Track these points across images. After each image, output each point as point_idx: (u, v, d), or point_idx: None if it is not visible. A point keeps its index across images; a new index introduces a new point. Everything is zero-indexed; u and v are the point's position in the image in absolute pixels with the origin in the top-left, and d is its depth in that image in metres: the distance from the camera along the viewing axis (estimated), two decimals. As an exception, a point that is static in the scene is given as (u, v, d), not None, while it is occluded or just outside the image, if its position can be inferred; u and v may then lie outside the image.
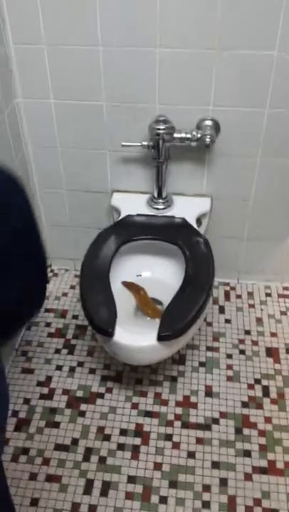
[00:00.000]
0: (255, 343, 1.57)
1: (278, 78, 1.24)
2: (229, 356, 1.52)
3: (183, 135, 1.32)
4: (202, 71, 1.26)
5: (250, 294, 1.74)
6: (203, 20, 1.18)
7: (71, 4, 1.19)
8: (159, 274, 1.41)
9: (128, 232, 1.38)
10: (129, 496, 1.20)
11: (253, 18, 1.16)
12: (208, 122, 1.34)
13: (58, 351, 1.54)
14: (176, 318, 1.14)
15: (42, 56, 1.29)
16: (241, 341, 1.57)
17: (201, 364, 1.50)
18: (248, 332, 1.60)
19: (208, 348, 1.55)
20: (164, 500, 1.19)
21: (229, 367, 1.49)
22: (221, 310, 1.68)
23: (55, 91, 1.35)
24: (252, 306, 1.69)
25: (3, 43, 1.26)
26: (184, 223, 1.40)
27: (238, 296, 1.73)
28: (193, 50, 1.23)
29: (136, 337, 1.12)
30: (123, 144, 1.37)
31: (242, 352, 1.54)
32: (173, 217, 1.42)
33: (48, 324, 1.63)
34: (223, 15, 1.16)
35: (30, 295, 0.76)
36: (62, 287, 1.77)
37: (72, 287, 1.76)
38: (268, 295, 1.73)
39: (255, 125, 1.34)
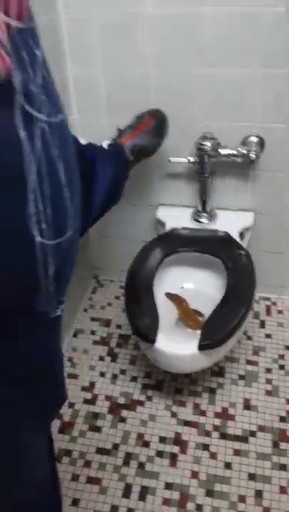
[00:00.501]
0: (295, 358, 1.57)
1: None
2: (268, 371, 1.53)
3: (228, 151, 1.36)
4: (247, 89, 1.30)
5: (292, 310, 1.74)
6: (247, 40, 1.23)
7: (126, 24, 1.28)
8: (201, 286, 1.44)
9: (172, 244, 1.42)
10: (166, 502, 1.23)
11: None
12: (254, 139, 1.37)
13: (101, 358, 1.60)
14: (217, 328, 1.17)
15: (97, 78, 1.38)
16: (281, 356, 1.57)
17: (241, 377, 1.51)
18: (288, 347, 1.60)
19: (248, 362, 1.56)
20: (199, 508, 1.21)
21: (268, 381, 1.50)
22: (262, 324, 1.69)
23: (109, 109, 1.43)
24: (293, 322, 1.70)
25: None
26: (227, 237, 1.43)
27: (279, 312, 1.74)
28: (238, 68, 1.27)
29: (177, 345, 1.16)
30: (170, 159, 1.43)
31: (281, 367, 1.54)
32: (216, 230, 1.46)
33: (93, 332, 1.69)
34: (266, 35, 1.21)
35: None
36: (107, 297, 1.83)
37: (117, 298, 1.82)
38: (310, 311, 1.73)
39: (300, 142, 1.37)
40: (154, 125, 1.32)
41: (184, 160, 1.41)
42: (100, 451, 1.34)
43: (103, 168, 1.15)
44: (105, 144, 1.26)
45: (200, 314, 1.38)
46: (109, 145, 1.27)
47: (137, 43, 1.29)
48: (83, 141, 1.16)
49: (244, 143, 1.38)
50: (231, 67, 1.28)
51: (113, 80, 1.37)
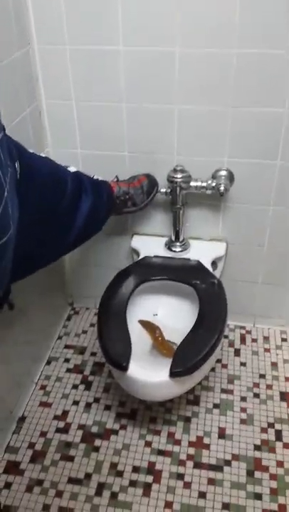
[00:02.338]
0: (269, 387, 1.58)
1: (288, 133, 1.33)
2: (243, 399, 1.54)
3: (199, 183, 1.41)
4: (217, 126, 1.36)
5: (266, 339, 1.76)
6: (219, 82, 1.29)
7: (97, 61, 1.33)
8: (174, 313, 1.46)
9: (145, 272, 1.45)
10: (139, 533, 1.22)
11: (264, 79, 1.26)
12: (223, 172, 1.43)
13: (75, 387, 1.59)
14: (189, 355, 1.19)
15: (71, 111, 1.42)
16: (256, 385, 1.59)
17: (216, 406, 1.52)
18: (262, 376, 1.62)
19: (223, 391, 1.57)
20: (173, 539, 1.20)
21: (243, 410, 1.51)
22: (237, 353, 1.71)
23: (82, 142, 1.47)
24: (267, 350, 1.72)
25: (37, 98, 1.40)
26: (199, 266, 1.46)
27: (254, 340, 1.76)
28: (208, 107, 1.33)
29: (149, 372, 1.17)
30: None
31: (256, 395, 1.55)
32: (188, 259, 1.49)
33: (67, 360, 1.69)
34: (237, 75, 1.27)
35: None
36: (82, 325, 1.84)
37: (92, 325, 1.82)
38: (284, 340, 1.75)
39: (268, 176, 1.42)
40: (146, 183, 1.43)
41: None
42: (72, 480, 1.32)
43: (87, 197, 1.18)
44: (95, 176, 1.31)
45: (173, 342, 1.40)
46: (100, 180, 1.32)
47: (109, 78, 1.34)
48: (72, 169, 1.20)
49: (214, 176, 1.43)
50: (202, 105, 1.34)
51: (86, 114, 1.42)
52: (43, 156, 1.08)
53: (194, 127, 1.38)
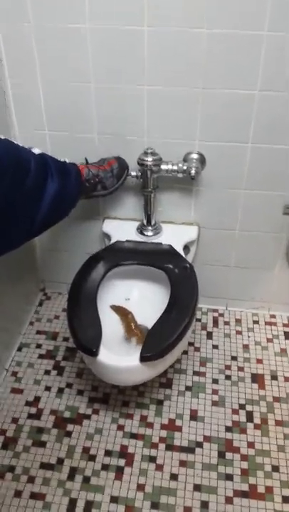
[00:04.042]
0: (241, 369, 1.60)
1: (259, 115, 1.32)
2: (215, 381, 1.56)
3: (170, 167, 1.39)
4: (188, 108, 1.34)
5: (238, 321, 1.78)
6: (189, 61, 1.27)
7: (63, 40, 1.29)
8: (146, 298, 1.45)
9: (117, 257, 1.44)
10: (111, 516, 1.22)
11: (235, 59, 1.25)
12: (194, 155, 1.41)
13: (47, 372, 1.58)
14: (159, 339, 1.18)
15: (37, 91, 1.38)
16: (228, 367, 1.61)
17: (188, 388, 1.53)
18: (234, 358, 1.64)
19: (195, 373, 1.58)
20: (145, 521, 1.21)
21: (215, 392, 1.52)
22: (209, 336, 1.72)
23: (50, 124, 1.44)
24: (239, 332, 1.73)
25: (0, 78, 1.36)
26: (171, 250, 1.46)
27: (226, 323, 1.77)
28: (178, 88, 1.31)
29: (119, 357, 1.17)
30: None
31: (228, 377, 1.57)
32: (160, 243, 1.48)
33: (38, 346, 1.68)
34: (207, 56, 1.25)
35: None
36: (54, 310, 1.82)
37: (64, 310, 1.81)
38: (256, 322, 1.77)
39: (239, 159, 1.41)
40: (116, 166, 1.40)
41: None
42: (44, 466, 1.32)
43: (53, 181, 1.14)
44: (64, 159, 1.28)
45: (146, 327, 1.39)
46: (68, 163, 1.29)
47: (76, 58, 1.31)
48: (37, 151, 1.16)
49: (186, 159, 1.42)
50: (172, 86, 1.31)
51: (53, 95, 1.38)
52: (1, 137, 1.03)
53: (165, 109, 1.35)
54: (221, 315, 1.81)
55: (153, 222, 1.52)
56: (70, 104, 1.39)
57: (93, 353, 1.15)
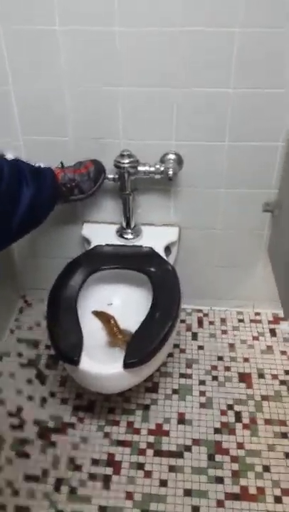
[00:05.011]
0: (227, 368, 1.58)
1: (235, 113, 1.31)
2: (202, 383, 1.54)
3: (147, 168, 1.37)
4: (163, 108, 1.32)
5: (223, 321, 1.76)
6: (163, 60, 1.24)
7: (34, 42, 1.26)
8: (130, 302, 1.43)
9: (97, 261, 1.41)
10: (99, 527, 1.20)
11: (208, 57, 1.23)
12: (171, 156, 1.39)
13: (29, 382, 1.54)
14: (142, 345, 1.16)
15: (9, 95, 1.35)
16: (214, 367, 1.59)
17: (174, 391, 1.51)
18: (220, 358, 1.62)
19: (182, 375, 1.56)
20: (135, 529, 1.19)
21: (202, 393, 1.51)
22: (194, 337, 1.70)
23: (23, 128, 1.40)
24: (225, 332, 1.72)
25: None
26: (152, 252, 1.43)
27: (211, 323, 1.76)
28: (153, 88, 1.29)
29: (102, 365, 1.14)
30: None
31: (215, 378, 1.55)
32: (140, 246, 1.46)
33: (19, 354, 1.64)
34: (182, 55, 1.23)
35: None
36: (35, 317, 1.78)
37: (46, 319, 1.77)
38: (241, 321, 1.76)
39: (216, 158, 1.40)
40: (92, 170, 1.37)
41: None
42: (29, 478, 1.29)
43: (27, 187, 1.12)
44: (38, 164, 1.25)
45: (130, 332, 1.37)
46: (43, 167, 1.26)
47: (49, 59, 1.27)
48: (10, 156, 1.13)
49: (163, 160, 1.40)
50: (146, 87, 1.29)
51: (25, 98, 1.35)
52: None
53: (140, 110, 1.33)
54: (206, 315, 1.79)
55: (133, 225, 1.50)
56: (43, 108, 1.36)
57: (74, 361, 1.12)
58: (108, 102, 1.32)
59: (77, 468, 1.31)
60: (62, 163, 1.35)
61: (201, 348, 1.66)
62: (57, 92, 1.32)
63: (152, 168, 1.37)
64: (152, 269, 1.36)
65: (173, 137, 1.37)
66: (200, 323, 1.76)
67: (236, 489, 1.26)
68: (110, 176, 1.40)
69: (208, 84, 1.27)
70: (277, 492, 1.25)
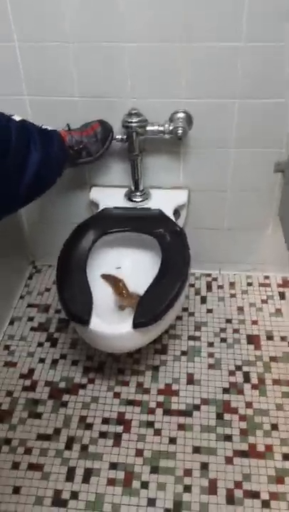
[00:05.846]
0: (236, 331, 1.59)
1: (245, 69, 1.27)
2: (211, 345, 1.55)
3: (156, 128, 1.34)
4: (171, 64, 1.28)
5: (232, 284, 1.76)
6: (170, 13, 1.20)
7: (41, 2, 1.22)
8: (138, 265, 1.43)
9: (105, 224, 1.40)
10: (110, 482, 1.22)
11: (219, 10, 1.18)
12: (181, 115, 1.36)
13: (40, 345, 1.56)
14: (151, 305, 1.17)
15: (14, 53, 1.31)
16: (223, 330, 1.60)
17: (183, 353, 1.52)
18: (229, 321, 1.63)
19: (190, 338, 1.57)
20: (145, 485, 1.21)
21: (210, 355, 1.52)
22: (203, 300, 1.70)
23: (28, 88, 1.38)
24: (233, 295, 1.72)
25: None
26: (160, 214, 1.42)
27: (220, 287, 1.76)
28: (160, 43, 1.25)
29: (111, 325, 1.15)
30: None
31: (223, 340, 1.56)
32: (149, 209, 1.45)
33: (30, 319, 1.65)
34: (189, 9, 1.19)
35: None
36: (45, 283, 1.79)
37: (55, 282, 1.78)
38: (250, 284, 1.76)
39: (227, 116, 1.36)
40: (100, 130, 1.34)
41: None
42: (41, 437, 1.32)
43: (36, 149, 1.10)
44: (45, 126, 1.23)
45: (138, 294, 1.37)
46: (50, 130, 1.24)
47: (52, 15, 1.24)
48: (17, 118, 1.11)
49: (172, 119, 1.37)
50: (153, 42, 1.25)
51: (31, 57, 1.32)
52: None
53: (147, 67, 1.29)
54: (215, 279, 1.79)
55: (141, 188, 1.48)
56: (49, 67, 1.33)
57: (84, 321, 1.13)
58: (115, 58, 1.29)
59: (89, 426, 1.34)
60: (68, 125, 1.33)
61: (209, 311, 1.66)
62: (62, 49, 1.29)
63: (161, 128, 1.34)
64: (161, 231, 1.35)
65: (182, 95, 1.33)
66: (209, 287, 1.76)
67: (244, 447, 1.28)
68: (118, 137, 1.37)
69: (218, 39, 1.23)
70: (285, 450, 1.27)
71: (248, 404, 1.38)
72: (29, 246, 1.82)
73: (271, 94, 1.31)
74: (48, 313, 1.67)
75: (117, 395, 1.41)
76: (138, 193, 1.48)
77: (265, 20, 1.19)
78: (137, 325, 1.13)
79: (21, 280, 1.80)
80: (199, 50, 1.25)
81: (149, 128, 1.34)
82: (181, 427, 1.33)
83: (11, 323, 1.64)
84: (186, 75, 1.30)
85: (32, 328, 1.62)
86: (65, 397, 1.41)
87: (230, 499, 1.18)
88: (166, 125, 1.34)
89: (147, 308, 1.16)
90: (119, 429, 1.33)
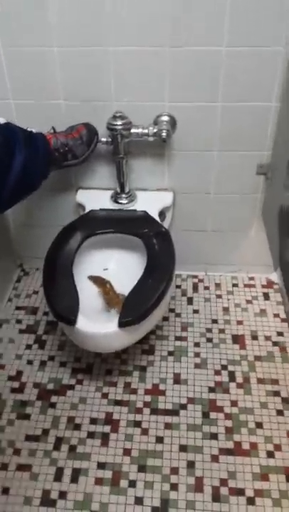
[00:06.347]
0: (222, 331, 1.61)
1: (228, 72, 1.29)
2: (197, 345, 1.57)
3: (140, 130, 1.36)
4: (155, 68, 1.30)
5: (218, 285, 1.79)
6: (154, 17, 1.22)
7: (26, 7, 1.24)
8: (125, 266, 1.44)
9: (91, 226, 1.42)
10: (98, 481, 1.23)
11: (201, 15, 1.21)
12: (165, 118, 1.38)
13: (28, 347, 1.57)
14: (137, 304, 1.18)
15: (0, 60, 1.33)
16: (209, 330, 1.62)
17: (170, 353, 1.54)
18: (215, 321, 1.65)
19: (177, 338, 1.59)
20: (132, 484, 1.23)
21: (197, 355, 1.54)
22: (190, 301, 1.73)
23: (14, 92, 1.39)
24: (219, 296, 1.74)
25: None
26: (146, 216, 1.44)
27: (206, 288, 1.78)
28: (145, 47, 1.27)
29: (97, 324, 1.16)
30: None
31: (209, 340, 1.58)
32: (135, 210, 1.47)
33: (18, 321, 1.66)
34: (174, 14, 1.21)
35: None
36: (33, 285, 1.80)
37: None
38: (235, 285, 1.78)
39: (210, 119, 1.39)
40: (85, 133, 1.36)
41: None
42: (30, 438, 1.32)
43: (20, 152, 1.10)
44: (30, 129, 1.24)
45: (124, 296, 1.39)
46: (35, 132, 1.25)
47: (37, 20, 1.25)
48: (2, 120, 1.11)
49: (156, 122, 1.39)
50: (137, 46, 1.27)
51: (16, 61, 1.33)
52: None
53: (131, 70, 1.31)
54: (201, 280, 1.81)
55: (127, 190, 1.50)
56: (34, 71, 1.34)
57: (71, 321, 1.14)
58: (99, 62, 1.31)
59: (77, 427, 1.35)
60: (53, 128, 1.35)
61: (196, 312, 1.69)
62: (47, 53, 1.30)
63: (146, 130, 1.36)
64: (146, 232, 1.37)
65: (166, 98, 1.35)
66: (195, 288, 1.78)
67: (230, 445, 1.30)
68: (103, 139, 1.39)
69: (200, 43, 1.25)
70: (270, 447, 1.29)
71: (234, 403, 1.40)
72: (16, 249, 1.83)
73: (254, 98, 1.33)
74: (36, 316, 1.68)
75: (104, 395, 1.42)
76: (124, 195, 1.50)
77: (248, 24, 1.21)
78: (122, 324, 1.14)
79: (9, 283, 1.80)
80: (183, 54, 1.27)
81: (133, 130, 1.36)
82: (168, 426, 1.35)
83: (-1, 325, 1.65)
84: (169, 79, 1.32)
85: (20, 331, 1.63)
86: (54, 399, 1.42)
87: (216, 497, 1.20)
88: (151, 128, 1.36)
89: (133, 307, 1.18)
90: (107, 429, 1.34)
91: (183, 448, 1.30)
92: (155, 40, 1.26)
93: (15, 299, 1.75)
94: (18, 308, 1.71)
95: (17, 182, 1.09)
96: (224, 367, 1.50)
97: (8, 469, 1.25)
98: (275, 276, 1.78)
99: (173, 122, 1.39)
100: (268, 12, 1.19)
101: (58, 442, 1.31)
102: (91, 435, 1.33)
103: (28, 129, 1.22)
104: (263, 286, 1.77)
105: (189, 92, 1.34)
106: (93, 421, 1.36)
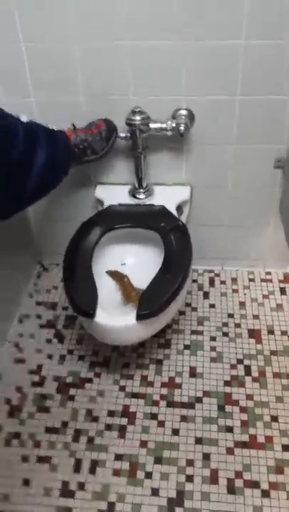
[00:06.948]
0: (238, 325, 1.62)
1: (246, 66, 1.29)
2: (213, 339, 1.58)
3: (158, 125, 1.37)
4: (173, 62, 1.31)
5: (234, 280, 1.79)
6: (171, 12, 1.23)
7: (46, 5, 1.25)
8: (143, 261, 1.45)
9: (110, 221, 1.43)
10: (116, 472, 1.25)
11: (218, 7, 1.21)
12: (183, 112, 1.39)
13: (48, 341, 1.60)
14: (154, 298, 1.19)
15: (21, 55, 1.34)
16: (225, 324, 1.62)
17: (186, 347, 1.55)
18: (231, 315, 1.65)
19: (193, 332, 1.60)
20: (149, 475, 1.24)
21: (213, 349, 1.55)
22: (206, 296, 1.73)
23: (35, 89, 1.41)
24: (235, 291, 1.75)
25: None
26: (164, 211, 1.45)
27: (223, 282, 1.78)
28: (162, 41, 1.28)
29: (116, 317, 1.18)
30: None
31: (225, 334, 1.59)
32: (152, 205, 1.48)
33: (38, 316, 1.69)
34: (190, 7, 1.21)
35: None
36: (52, 281, 1.83)
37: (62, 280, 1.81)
38: (251, 280, 1.79)
39: (228, 113, 1.39)
40: (104, 129, 1.37)
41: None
42: (49, 430, 1.35)
43: (42, 149, 1.12)
44: (51, 127, 1.25)
45: (142, 290, 1.40)
46: (55, 130, 1.27)
47: (57, 17, 1.27)
48: (24, 119, 1.13)
49: (174, 116, 1.39)
50: (155, 40, 1.28)
51: (37, 57, 1.35)
52: None
53: (148, 65, 1.32)
54: (217, 275, 1.81)
55: (145, 185, 1.51)
56: (54, 67, 1.36)
57: (90, 314, 1.16)
58: (116, 57, 1.31)
59: (95, 419, 1.37)
60: (73, 124, 1.36)
61: (212, 306, 1.69)
62: (67, 51, 1.32)
63: (164, 125, 1.36)
64: (163, 226, 1.38)
65: (184, 92, 1.36)
66: (211, 282, 1.79)
67: (245, 438, 1.31)
68: (122, 135, 1.40)
69: (218, 36, 1.25)
70: (285, 441, 1.30)
71: (249, 397, 1.41)
72: (36, 245, 1.85)
73: (271, 91, 1.33)
74: (55, 311, 1.71)
75: (122, 388, 1.44)
76: (142, 190, 1.51)
77: (265, 17, 1.21)
78: (140, 317, 1.16)
79: (29, 279, 1.83)
80: (200, 48, 1.27)
81: (151, 125, 1.37)
82: (184, 418, 1.36)
83: (20, 321, 1.68)
84: (187, 73, 1.32)
85: (40, 326, 1.65)
86: (72, 391, 1.44)
87: (231, 489, 1.21)
88: (169, 122, 1.37)
89: (150, 301, 1.19)
90: (124, 421, 1.36)
91: (198, 440, 1.31)
92: (172, 34, 1.26)
93: (35, 295, 1.78)
94: (38, 303, 1.74)
95: (39, 179, 1.11)
96: (240, 361, 1.50)
97: (29, 461, 1.28)
98: (292, 271, 1.78)
99: (191, 116, 1.39)
100: (287, 4, 1.18)
101: (77, 434, 1.33)
102: (108, 427, 1.35)
103: (49, 126, 1.23)
104: (280, 281, 1.77)
105: (207, 85, 1.34)
106: (111, 413, 1.38)
